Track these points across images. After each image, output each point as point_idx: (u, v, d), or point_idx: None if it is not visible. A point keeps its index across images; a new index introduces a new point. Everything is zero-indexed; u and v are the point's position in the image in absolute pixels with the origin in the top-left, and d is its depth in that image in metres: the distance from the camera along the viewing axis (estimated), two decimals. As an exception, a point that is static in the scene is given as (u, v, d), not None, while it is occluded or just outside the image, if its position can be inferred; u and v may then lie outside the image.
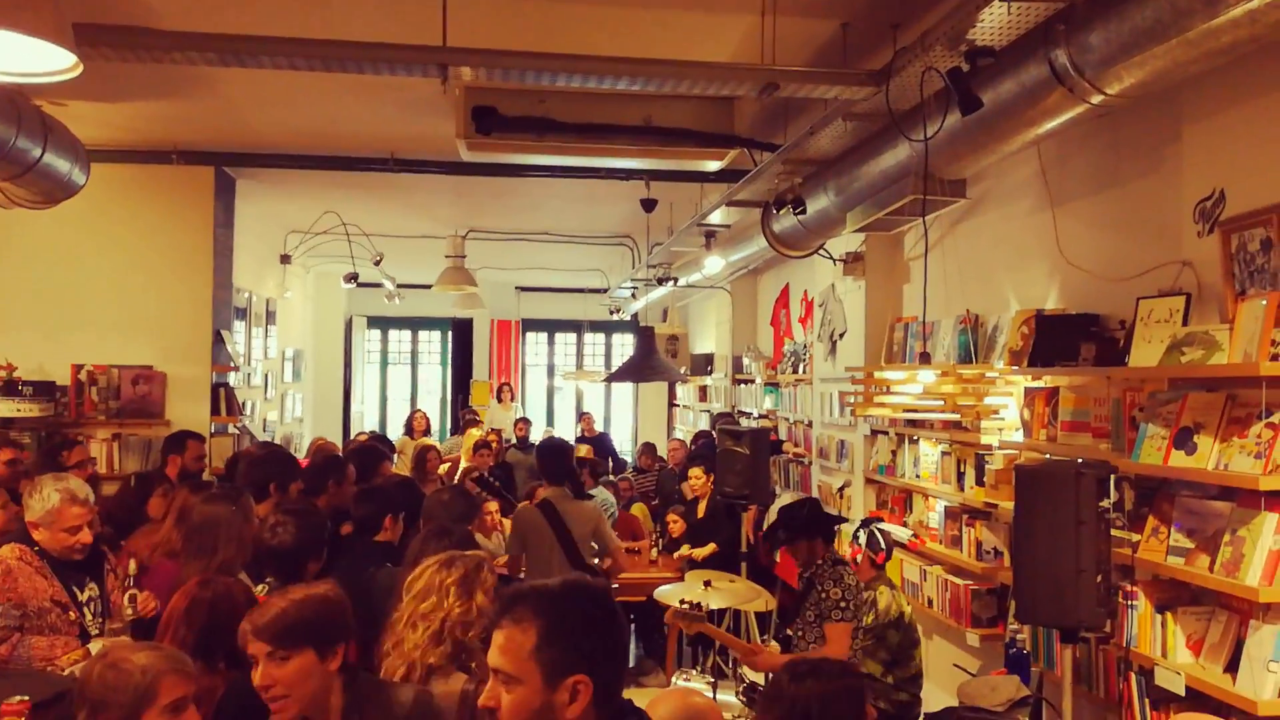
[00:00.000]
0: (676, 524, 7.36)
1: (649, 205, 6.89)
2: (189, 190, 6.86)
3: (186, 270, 6.86)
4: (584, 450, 8.27)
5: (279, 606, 2.42)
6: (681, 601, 4.53)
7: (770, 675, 4.18)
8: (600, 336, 15.72)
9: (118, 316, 6.78)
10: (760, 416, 9.87)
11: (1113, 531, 3.52)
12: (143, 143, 6.50)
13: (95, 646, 3.47)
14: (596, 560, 5.52)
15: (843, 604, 4.45)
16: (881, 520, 5.45)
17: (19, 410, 6.25)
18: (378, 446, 7.26)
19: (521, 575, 5.26)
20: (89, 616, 3.75)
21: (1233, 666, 3.39)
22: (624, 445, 14.52)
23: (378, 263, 9.39)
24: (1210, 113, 3.76)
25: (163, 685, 2.29)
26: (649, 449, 11.18)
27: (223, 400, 6.98)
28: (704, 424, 11.63)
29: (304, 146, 6.57)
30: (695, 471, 7.44)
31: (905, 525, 6.24)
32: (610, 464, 11.28)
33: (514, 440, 10.83)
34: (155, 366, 6.77)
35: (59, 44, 2.54)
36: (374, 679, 2.61)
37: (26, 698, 3.02)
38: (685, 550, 7.08)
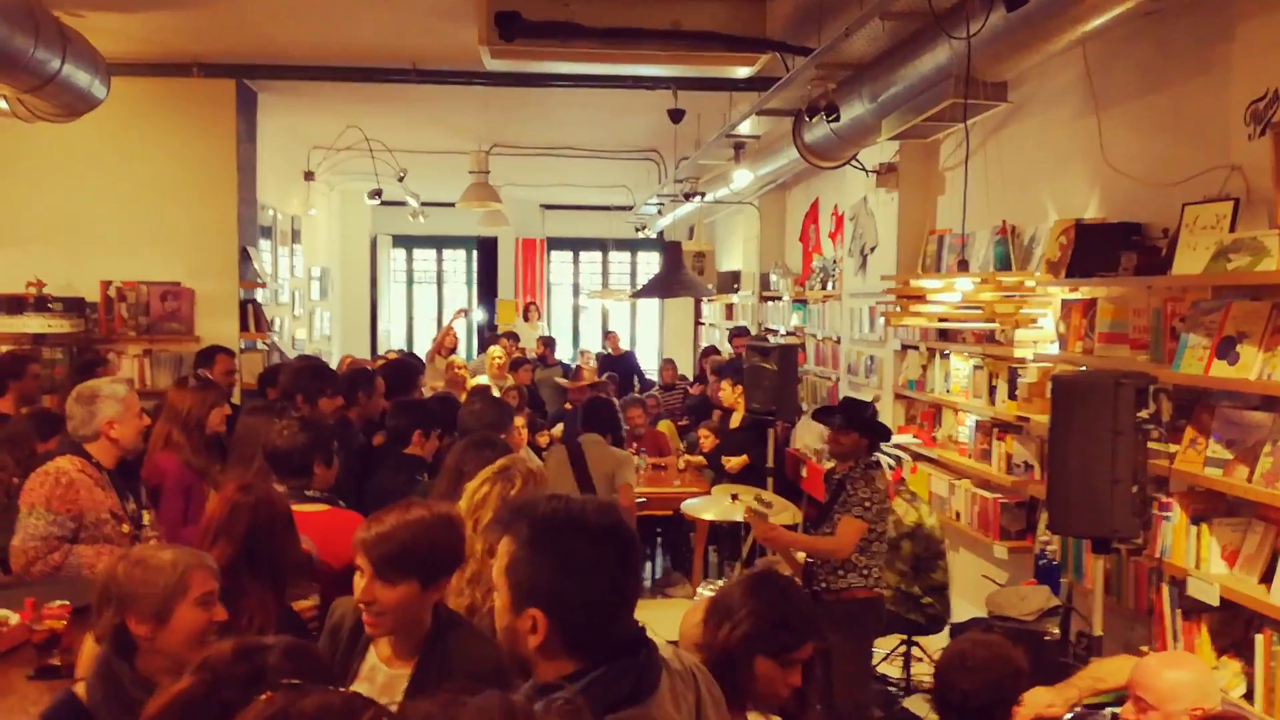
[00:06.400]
0: (707, 439, 7.38)
1: (676, 116, 6.71)
2: (211, 104, 6.77)
3: (211, 186, 6.79)
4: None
5: (392, 527, 2.33)
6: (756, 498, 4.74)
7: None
8: (625, 255, 15.59)
9: (144, 232, 6.74)
10: (788, 333, 9.80)
11: (1149, 443, 3.47)
12: (162, 55, 6.38)
13: (133, 554, 3.52)
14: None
15: (866, 503, 4.39)
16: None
17: (50, 326, 6.27)
18: (412, 361, 7.26)
19: None
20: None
21: (1268, 577, 3.36)
22: (649, 364, 14.51)
23: (401, 179, 9.30)
24: (1266, 8, 3.58)
25: (194, 578, 2.29)
26: (670, 364, 11.14)
27: (251, 316, 6.99)
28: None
29: (325, 58, 6.44)
30: (724, 385, 7.45)
31: (934, 440, 6.23)
32: (637, 383, 11.28)
33: (536, 359, 10.76)
34: (183, 283, 6.77)
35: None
36: (454, 613, 2.51)
37: (67, 602, 3.09)
38: (727, 463, 7.02)
